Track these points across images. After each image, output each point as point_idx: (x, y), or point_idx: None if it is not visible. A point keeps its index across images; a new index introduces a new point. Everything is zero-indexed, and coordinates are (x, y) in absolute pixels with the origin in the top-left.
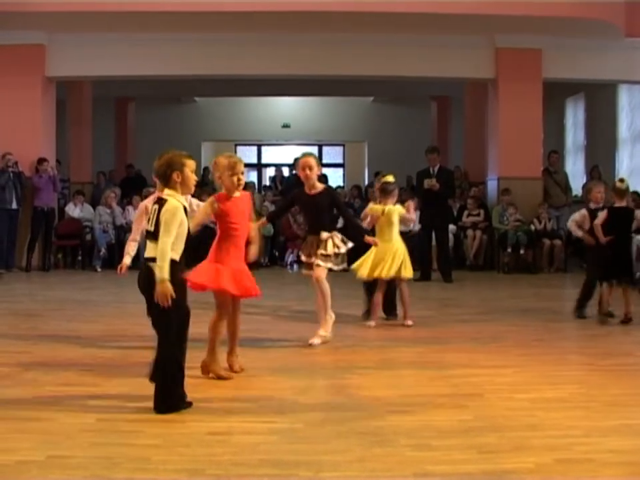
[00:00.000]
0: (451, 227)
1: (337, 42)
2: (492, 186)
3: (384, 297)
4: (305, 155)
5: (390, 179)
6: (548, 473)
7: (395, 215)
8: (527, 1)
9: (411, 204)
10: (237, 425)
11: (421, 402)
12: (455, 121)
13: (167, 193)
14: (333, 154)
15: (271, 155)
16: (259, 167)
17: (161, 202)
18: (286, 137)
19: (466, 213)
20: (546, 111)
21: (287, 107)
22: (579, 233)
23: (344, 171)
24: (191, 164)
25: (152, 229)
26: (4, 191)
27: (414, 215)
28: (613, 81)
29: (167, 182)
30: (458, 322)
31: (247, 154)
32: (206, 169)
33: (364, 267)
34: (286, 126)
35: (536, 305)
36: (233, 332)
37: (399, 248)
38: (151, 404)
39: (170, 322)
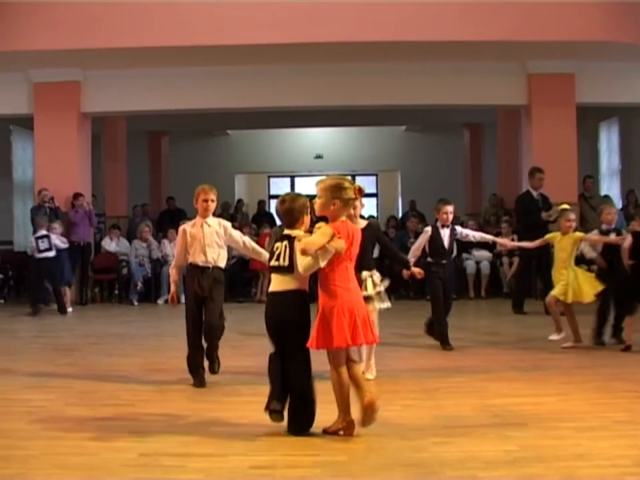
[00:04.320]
0: (487, 254)
1: (367, 72)
2: None
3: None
4: None
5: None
6: None
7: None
8: (558, 26)
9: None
10: (280, 458)
11: (464, 432)
12: (487, 148)
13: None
14: (366, 184)
15: (304, 186)
16: None
17: (290, 239)
18: (319, 167)
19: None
20: (580, 136)
21: (319, 137)
22: (592, 255)
23: (377, 200)
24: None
25: (287, 263)
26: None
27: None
28: None
29: (296, 223)
30: (498, 350)
31: (280, 185)
32: (240, 200)
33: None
34: (319, 157)
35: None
36: None
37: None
38: (191, 438)
39: (305, 342)
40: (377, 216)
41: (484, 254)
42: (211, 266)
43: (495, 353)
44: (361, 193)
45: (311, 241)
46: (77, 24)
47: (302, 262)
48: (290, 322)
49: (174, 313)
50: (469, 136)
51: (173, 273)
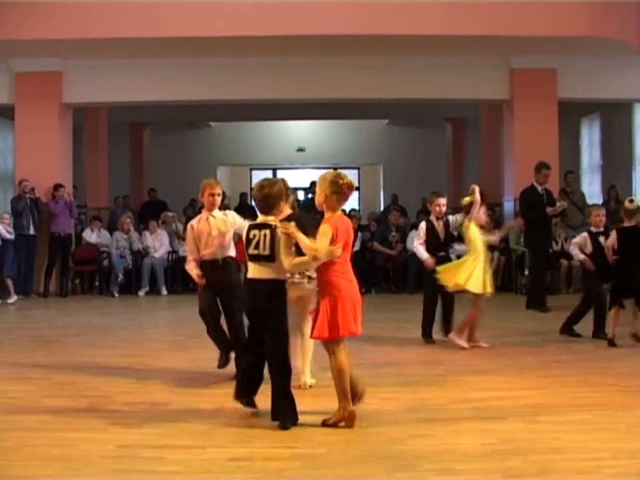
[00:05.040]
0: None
1: (350, 65)
2: (508, 207)
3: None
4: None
5: (467, 200)
6: None
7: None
8: (541, 21)
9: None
10: (259, 450)
11: (443, 425)
12: (470, 142)
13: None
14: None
15: (286, 178)
16: None
17: (271, 228)
18: (301, 160)
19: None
20: (561, 131)
21: (302, 130)
22: (580, 257)
23: (359, 194)
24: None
25: (268, 252)
26: (21, 218)
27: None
28: (628, 99)
29: (272, 210)
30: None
31: (263, 178)
32: (222, 193)
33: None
34: (301, 150)
35: (555, 326)
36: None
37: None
38: (170, 429)
39: (283, 328)
40: (359, 209)
41: (464, 248)
42: (219, 258)
43: (475, 346)
44: (350, 188)
45: (320, 247)
46: (58, 14)
47: (296, 261)
48: (268, 310)
49: (155, 304)
50: (451, 130)
51: (191, 267)
